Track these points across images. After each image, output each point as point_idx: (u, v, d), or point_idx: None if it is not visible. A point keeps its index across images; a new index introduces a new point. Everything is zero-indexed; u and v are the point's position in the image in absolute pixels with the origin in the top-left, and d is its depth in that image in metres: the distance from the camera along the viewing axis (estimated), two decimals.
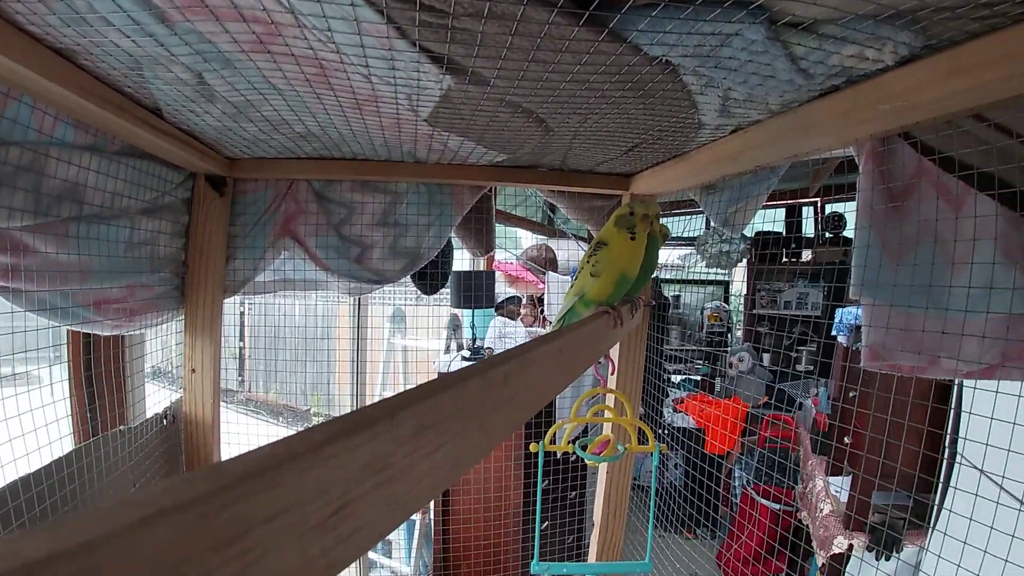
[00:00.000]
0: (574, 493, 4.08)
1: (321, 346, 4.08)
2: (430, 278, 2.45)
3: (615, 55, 0.94)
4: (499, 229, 4.87)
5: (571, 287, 1.49)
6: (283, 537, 0.34)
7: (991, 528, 1.57)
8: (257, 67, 1.09)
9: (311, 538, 0.36)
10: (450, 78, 1.06)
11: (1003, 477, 1.48)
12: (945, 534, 1.80)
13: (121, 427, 1.84)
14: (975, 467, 1.94)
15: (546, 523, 3.87)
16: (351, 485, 0.39)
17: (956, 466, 2.27)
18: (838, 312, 3.50)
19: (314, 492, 0.36)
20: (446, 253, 2.42)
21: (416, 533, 4.39)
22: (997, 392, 1.45)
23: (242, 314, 4.58)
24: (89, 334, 1.85)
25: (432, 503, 4.10)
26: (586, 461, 1.73)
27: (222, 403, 2.18)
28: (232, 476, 0.30)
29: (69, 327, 1.61)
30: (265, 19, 0.88)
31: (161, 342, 2.24)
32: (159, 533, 0.26)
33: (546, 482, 3.85)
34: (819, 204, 6.29)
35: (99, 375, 1.91)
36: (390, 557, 4.69)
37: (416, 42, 0.91)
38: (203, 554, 0.28)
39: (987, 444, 1.54)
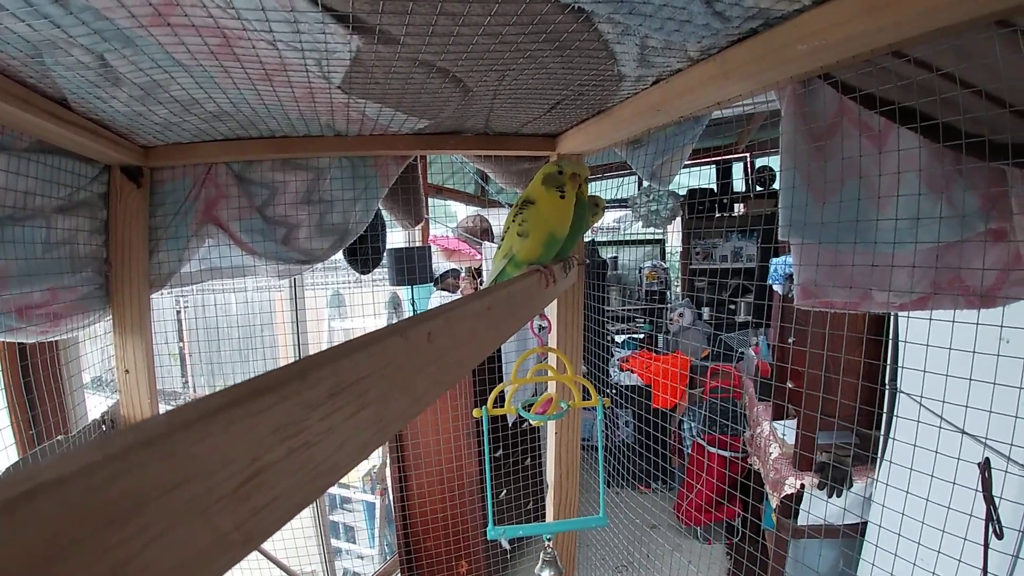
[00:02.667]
0: (529, 459, 4.11)
1: (262, 336, 4.02)
2: (360, 254, 2.41)
3: (525, 3, 0.92)
4: (432, 203, 4.83)
5: (498, 249, 1.48)
6: (187, 510, 0.31)
7: (936, 453, 1.62)
8: (158, 42, 1.04)
9: (220, 510, 0.34)
10: (358, 38, 1.03)
11: (943, 403, 1.53)
12: (891, 463, 1.86)
13: (59, 437, 1.79)
14: (912, 398, 2.01)
15: (504, 491, 3.90)
16: (260, 452, 0.37)
17: (898, 396, 2.34)
18: (772, 262, 3.58)
19: (216, 461, 0.33)
20: (376, 228, 2.38)
21: (377, 515, 4.39)
22: (931, 320, 1.50)
23: (178, 313, 4.48)
24: (22, 343, 1.79)
25: (390, 483, 4.10)
26: (531, 422, 1.73)
27: (168, 406, 2.13)
28: (119, 446, 0.28)
29: None
30: None
31: (101, 352, 2.18)
32: (44, 510, 0.24)
33: (501, 451, 3.88)
34: (748, 159, 6.41)
35: (36, 383, 1.86)
36: (354, 542, 4.69)
37: (318, 1, 0.87)
38: (98, 531, 0.26)
39: (924, 371, 1.59)
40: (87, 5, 0.89)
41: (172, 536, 0.30)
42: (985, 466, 1.58)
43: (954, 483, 1.56)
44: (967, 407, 1.48)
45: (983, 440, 1.61)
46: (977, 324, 1.41)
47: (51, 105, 1.33)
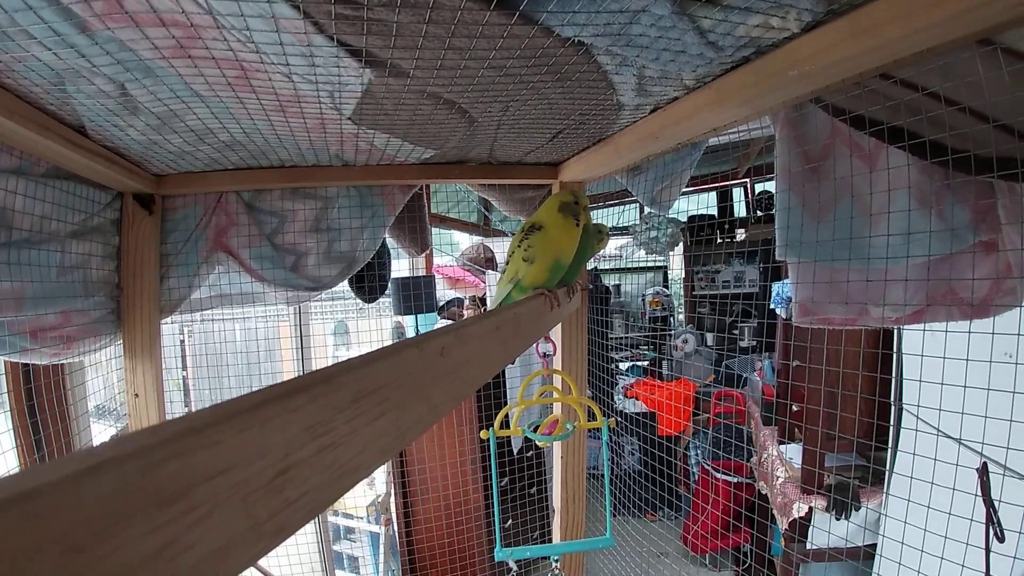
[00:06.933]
0: (534, 489, 4.11)
1: (270, 362, 4.04)
2: (368, 280, 2.44)
3: (528, 38, 0.96)
4: (436, 232, 4.88)
5: (503, 274, 1.51)
6: (228, 496, 0.34)
7: (935, 460, 1.65)
8: (178, 73, 1.08)
9: (257, 499, 0.37)
10: (370, 72, 1.07)
11: (939, 411, 1.56)
12: (897, 473, 1.87)
13: None
14: (908, 410, 2.02)
15: (509, 520, 3.90)
16: (293, 448, 0.40)
17: (903, 409, 2.36)
18: (774, 286, 3.60)
19: (255, 452, 0.36)
20: (382, 256, 2.41)
21: (381, 546, 4.37)
22: (924, 331, 1.53)
23: (182, 342, 4.47)
24: (27, 365, 1.81)
25: (394, 513, 4.09)
26: (538, 443, 1.75)
27: None
28: (170, 432, 0.31)
29: (6, 358, 1.57)
30: (184, 22, 0.88)
31: (104, 379, 2.20)
32: (102, 485, 0.26)
33: (505, 481, 3.89)
34: (748, 184, 6.45)
35: (41, 406, 1.87)
36: (358, 573, 4.66)
37: (334, 36, 0.92)
38: (149, 509, 0.29)
39: (920, 381, 1.62)
40: (112, 36, 0.92)
41: (214, 519, 0.33)
42: (983, 471, 1.60)
43: (954, 488, 1.58)
44: (962, 413, 1.51)
45: (979, 452, 1.64)
46: (969, 333, 1.44)
47: (69, 132, 1.37)
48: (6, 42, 0.93)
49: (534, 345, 1.75)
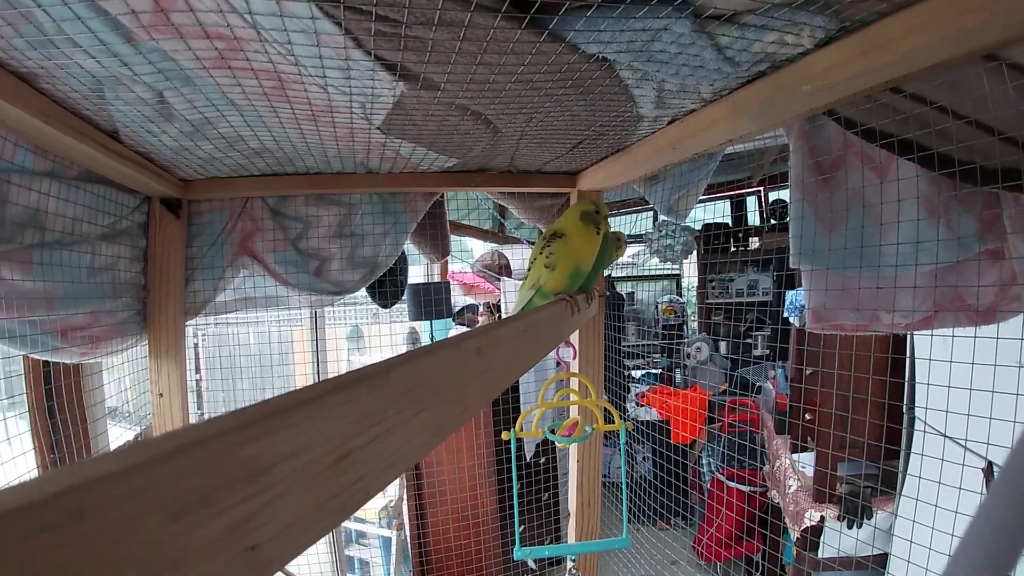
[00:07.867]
0: (547, 495, 4.13)
1: (280, 372, 4.07)
2: (390, 285, 2.48)
3: (555, 54, 1.00)
4: (451, 239, 4.90)
5: (525, 280, 1.55)
6: (302, 475, 0.38)
7: (941, 460, 1.67)
8: (216, 83, 1.12)
9: (325, 479, 0.41)
10: (403, 84, 1.11)
11: (946, 412, 1.58)
12: (908, 475, 1.89)
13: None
14: (918, 417, 2.04)
15: (523, 526, 3.91)
16: (351, 434, 0.44)
17: (916, 415, 2.38)
18: (788, 294, 3.61)
19: (322, 436, 0.40)
20: (400, 262, 2.45)
21: (393, 550, 4.39)
22: (932, 335, 1.56)
23: (196, 345, 4.49)
24: (47, 365, 1.85)
25: (407, 518, 4.11)
26: (557, 444, 1.79)
27: None
28: (253, 415, 0.35)
29: (38, 355, 1.61)
30: (228, 35, 0.92)
31: (119, 382, 2.23)
32: (198, 460, 0.30)
33: (519, 486, 3.90)
34: (763, 192, 6.45)
35: (61, 406, 1.91)
36: None
37: (371, 51, 0.96)
38: (238, 483, 0.32)
39: (928, 383, 1.64)
40: (156, 47, 0.97)
41: (289, 497, 0.37)
42: (988, 471, 1.63)
43: (960, 488, 1.60)
44: (968, 415, 1.54)
45: (983, 455, 1.66)
46: (975, 337, 1.47)
47: (103, 137, 1.40)
48: (51, 49, 0.97)
49: (554, 349, 1.79)
